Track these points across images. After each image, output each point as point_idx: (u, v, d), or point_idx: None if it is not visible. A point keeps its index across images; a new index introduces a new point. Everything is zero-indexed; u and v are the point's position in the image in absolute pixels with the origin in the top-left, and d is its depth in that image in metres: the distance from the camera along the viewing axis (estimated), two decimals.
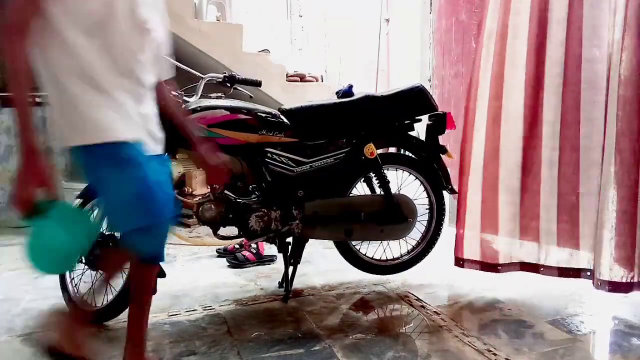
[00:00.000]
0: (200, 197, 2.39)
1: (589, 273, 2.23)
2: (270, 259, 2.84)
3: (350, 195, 2.38)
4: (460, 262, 2.42)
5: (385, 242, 2.53)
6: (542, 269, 2.31)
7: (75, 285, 2.15)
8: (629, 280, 2.03)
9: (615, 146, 2.00)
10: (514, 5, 2.25)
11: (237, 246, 2.86)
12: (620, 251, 2.03)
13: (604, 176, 2.06)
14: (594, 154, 2.14)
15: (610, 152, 2.02)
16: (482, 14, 2.37)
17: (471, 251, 2.40)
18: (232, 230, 2.19)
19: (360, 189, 2.44)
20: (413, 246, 2.54)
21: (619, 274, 2.04)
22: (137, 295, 1.56)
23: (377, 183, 2.36)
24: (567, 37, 2.15)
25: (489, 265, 2.38)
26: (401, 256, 2.53)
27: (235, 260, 2.78)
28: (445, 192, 2.49)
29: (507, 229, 2.34)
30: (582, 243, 2.23)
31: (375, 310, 2.17)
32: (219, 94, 2.23)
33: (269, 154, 2.16)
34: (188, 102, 2.08)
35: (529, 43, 2.22)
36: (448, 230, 2.59)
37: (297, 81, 3.86)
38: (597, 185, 2.12)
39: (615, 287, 2.05)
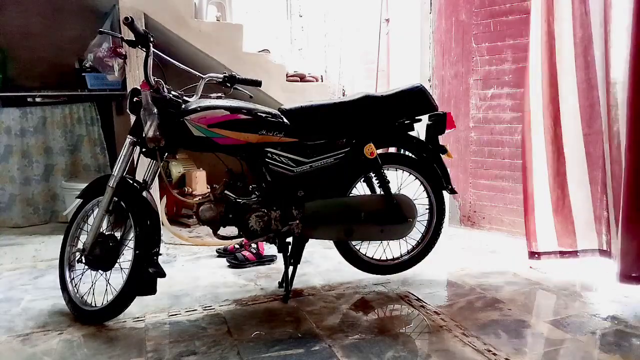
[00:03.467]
0: (200, 197, 2.39)
1: None
2: (270, 259, 2.84)
3: (350, 195, 2.38)
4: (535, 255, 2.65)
5: (385, 242, 2.53)
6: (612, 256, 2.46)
7: (75, 285, 2.16)
8: None
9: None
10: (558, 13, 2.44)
11: (237, 246, 2.86)
12: None
13: None
14: None
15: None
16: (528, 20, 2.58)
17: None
18: (232, 230, 2.19)
19: (360, 189, 2.44)
20: (413, 246, 2.54)
21: None
22: None
23: (377, 183, 2.36)
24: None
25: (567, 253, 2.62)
26: (401, 256, 2.53)
27: (235, 260, 2.78)
28: (445, 192, 2.50)
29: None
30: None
31: (375, 310, 2.17)
32: (219, 94, 2.23)
33: (269, 154, 2.16)
34: (188, 102, 2.07)
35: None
36: (448, 230, 2.59)
37: (297, 81, 3.85)
38: None
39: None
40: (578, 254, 2.60)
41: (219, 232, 2.18)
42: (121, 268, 2.07)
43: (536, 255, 2.65)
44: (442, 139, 2.46)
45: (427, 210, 2.52)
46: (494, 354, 1.76)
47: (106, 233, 2.08)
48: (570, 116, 2.50)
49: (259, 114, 2.11)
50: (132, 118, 2.09)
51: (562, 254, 2.62)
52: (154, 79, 1.96)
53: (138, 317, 2.08)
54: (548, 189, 2.59)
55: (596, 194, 2.51)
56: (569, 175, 2.54)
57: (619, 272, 2.26)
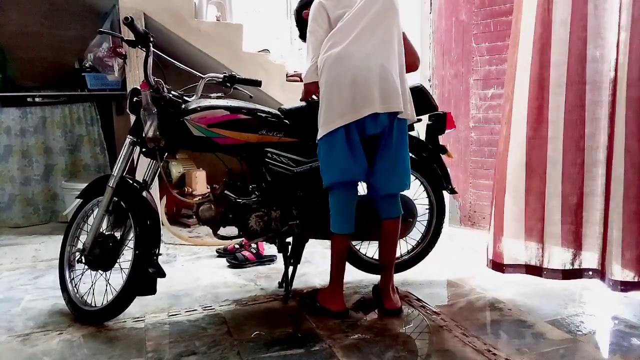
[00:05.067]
0: (200, 197, 2.39)
1: (591, 273, 2.24)
2: (270, 259, 2.84)
3: None
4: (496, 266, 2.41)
5: None
6: (544, 272, 2.30)
7: (75, 285, 2.16)
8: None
9: (624, 147, 2.01)
10: (517, 9, 2.27)
11: (237, 246, 2.86)
12: (631, 251, 2.05)
13: (613, 176, 2.07)
14: (598, 154, 2.15)
15: (619, 153, 2.03)
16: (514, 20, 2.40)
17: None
18: (232, 230, 2.18)
19: (361, 189, 2.44)
20: (413, 246, 2.54)
21: (630, 275, 2.07)
22: None
23: None
24: (570, 37, 2.15)
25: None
26: (401, 256, 2.53)
27: (235, 260, 2.78)
28: (445, 192, 2.50)
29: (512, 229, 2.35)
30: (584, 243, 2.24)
31: (375, 310, 2.17)
32: (219, 94, 2.23)
33: (269, 154, 2.15)
34: (188, 102, 2.07)
35: (534, 45, 2.22)
36: (448, 230, 2.58)
37: (297, 81, 3.85)
38: (602, 185, 2.14)
39: (628, 286, 2.09)
40: (504, 268, 2.37)
41: (219, 232, 2.18)
42: (121, 268, 2.06)
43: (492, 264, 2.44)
44: (442, 139, 2.46)
45: (427, 210, 2.52)
46: (494, 354, 1.76)
47: (106, 233, 2.08)
48: (519, 118, 2.28)
49: (259, 114, 2.11)
50: (132, 118, 2.09)
51: (497, 266, 2.40)
52: (154, 79, 1.96)
53: (138, 317, 2.08)
54: (493, 195, 2.41)
55: (531, 203, 2.27)
56: (508, 182, 2.31)
57: (609, 281, 2.13)
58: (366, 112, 1.93)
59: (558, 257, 2.27)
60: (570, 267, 2.26)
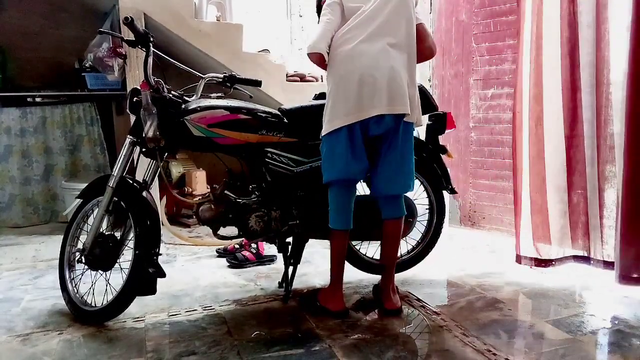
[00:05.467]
0: (200, 197, 2.39)
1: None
2: (270, 259, 2.84)
3: None
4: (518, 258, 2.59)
5: None
6: (592, 262, 2.43)
7: (75, 285, 2.16)
8: None
9: None
10: (546, 13, 2.37)
11: (237, 246, 2.86)
12: None
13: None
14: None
15: None
16: (519, 23, 2.51)
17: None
18: (232, 230, 2.18)
19: (361, 189, 2.44)
20: (413, 246, 2.54)
21: None
22: None
23: None
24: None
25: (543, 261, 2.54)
26: (401, 256, 2.53)
27: (235, 260, 2.78)
28: (445, 192, 2.50)
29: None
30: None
31: (375, 311, 2.17)
32: (219, 94, 2.23)
33: (269, 154, 2.15)
34: (188, 102, 2.07)
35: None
36: (448, 230, 2.59)
37: (297, 81, 3.85)
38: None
39: None
40: (554, 262, 2.51)
41: (219, 232, 2.18)
42: (121, 268, 2.06)
43: (519, 259, 2.58)
44: (442, 139, 2.46)
45: (427, 210, 2.52)
46: (494, 354, 1.75)
47: (106, 233, 2.08)
48: (552, 117, 2.43)
49: (259, 113, 2.11)
50: (132, 118, 2.09)
51: (537, 261, 2.53)
52: (153, 79, 1.96)
53: (138, 317, 2.08)
54: (529, 192, 2.52)
55: (574, 198, 2.43)
56: (548, 179, 2.46)
57: (619, 274, 2.22)
58: (371, 113, 1.93)
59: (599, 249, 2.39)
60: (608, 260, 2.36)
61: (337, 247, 2.11)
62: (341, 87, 1.96)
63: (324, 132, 2.02)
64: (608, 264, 2.35)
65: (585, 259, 2.47)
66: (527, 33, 2.46)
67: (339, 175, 2.03)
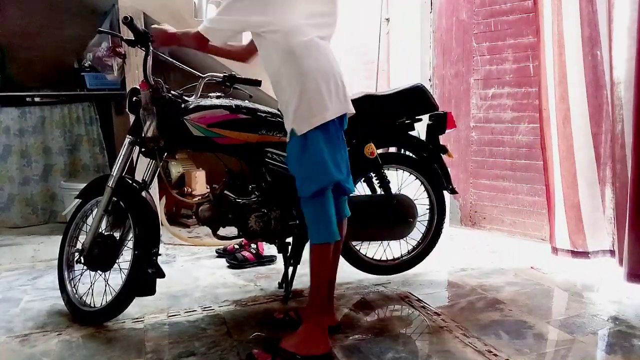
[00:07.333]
0: (200, 197, 2.38)
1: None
2: (270, 259, 2.83)
3: (350, 195, 2.36)
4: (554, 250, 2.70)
5: (385, 243, 2.52)
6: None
7: (74, 285, 2.15)
8: None
9: None
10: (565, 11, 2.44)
11: (236, 246, 2.85)
12: None
13: None
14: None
15: None
16: (538, 20, 2.58)
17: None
18: (231, 230, 2.18)
19: (361, 188, 2.44)
20: (413, 246, 2.54)
21: None
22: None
23: (377, 183, 2.35)
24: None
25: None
26: (401, 256, 2.53)
27: (235, 260, 2.77)
28: (445, 192, 2.49)
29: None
30: None
31: (376, 311, 2.17)
32: (219, 94, 2.22)
33: (269, 154, 2.14)
34: (188, 101, 2.06)
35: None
36: (448, 230, 2.58)
37: None
38: None
39: None
40: (589, 254, 2.60)
41: (218, 232, 2.17)
42: (120, 268, 2.06)
43: (555, 251, 2.69)
44: (442, 139, 2.46)
45: (428, 210, 2.51)
46: (495, 355, 1.75)
47: (105, 233, 2.08)
48: (579, 115, 2.52)
49: (258, 113, 2.10)
50: (132, 118, 2.08)
51: (574, 253, 2.62)
52: (153, 79, 1.95)
53: (137, 318, 2.08)
54: (561, 187, 2.61)
55: (605, 193, 2.51)
56: (579, 175, 2.54)
57: (627, 271, 2.24)
58: (350, 108, 1.75)
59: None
60: None
61: (324, 264, 1.75)
62: (320, 78, 1.71)
63: (313, 125, 1.67)
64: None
65: (613, 253, 2.54)
66: (549, 32, 2.53)
67: (337, 175, 1.74)
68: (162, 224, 2.88)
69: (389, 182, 2.34)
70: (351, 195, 2.35)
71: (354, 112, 1.80)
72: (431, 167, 2.43)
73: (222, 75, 2.27)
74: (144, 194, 2.06)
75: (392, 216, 2.35)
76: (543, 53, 2.58)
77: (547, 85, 2.58)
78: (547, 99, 2.60)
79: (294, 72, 1.67)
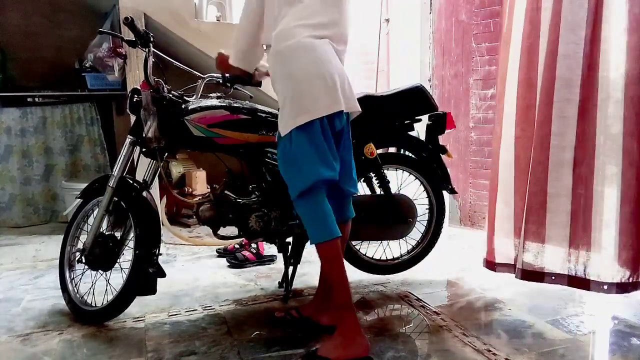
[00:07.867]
0: (200, 197, 2.39)
1: (553, 277, 2.23)
2: (270, 259, 2.84)
3: None
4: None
5: (385, 242, 2.53)
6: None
7: (76, 285, 2.16)
8: (634, 280, 2.07)
9: (622, 146, 2.01)
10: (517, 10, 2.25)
11: (237, 246, 2.86)
12: (627, 252, 2.05)
13: (601, 176, 2.06)
14: (565, 154, 2.12)
15: (616, 152, 2.03)
16: (501, 21, 2.39)
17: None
18: (232, 230, 2.18)
19: (360, 189, 2.44)
20: (413, 246, 2.54)
21: (626, 275, 2.07)
22: None
23: (377, 183, 2.36)
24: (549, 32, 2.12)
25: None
26: (401, 256, 2.53)
27: (235, 260, 2.78)
28: (445, 192, 2.50)
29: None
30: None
31: (375, 310, 2.17)
32: (219, 94, 2.23)
33: (269, 154, 2.15)
34: (188, 102, 2.07)
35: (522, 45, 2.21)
36: (448, 230, 2.58)
37: None
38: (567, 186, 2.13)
39: (621, 288, 2.08)
40: (496, 267, 2.38)
41: (219, 232, 2.18)
42: (121, 268, 2.07)
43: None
44: (442, 139, 2.46)
45: (427, 210, 2.52)
46: (494, 354, 1.76)
47: (106, 233, 2.08)
48: (508, 117, 2.30)
49: (258, 114, 2.11)
50: (132, 118, 2.09)
51: (489, 264, 2.42)
52: (154, 79, 1.96)
53: (138, 317, 2.09)
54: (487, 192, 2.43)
55: (518, 203, 2.25)
56: (500, 181, 2.31)
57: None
58: (343, 106, 1.71)
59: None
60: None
61: (335, 261, 1.72)
62: (312, 74, 1.71)
63: (303, 121, 1.65)
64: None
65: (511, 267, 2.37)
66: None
67: (330, 173, 1.69)
68: (162, 224, 2.88)
69: (388, 182, 2.34)
70: None
71: (357, 109, 1.81)
72: (431, 167, 2.44)
73: (222, 75, 2.27)
74: (144, 194, 2.06)
75: (391, 216, 2.36)
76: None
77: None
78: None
79: (283, 74, 1.71)
